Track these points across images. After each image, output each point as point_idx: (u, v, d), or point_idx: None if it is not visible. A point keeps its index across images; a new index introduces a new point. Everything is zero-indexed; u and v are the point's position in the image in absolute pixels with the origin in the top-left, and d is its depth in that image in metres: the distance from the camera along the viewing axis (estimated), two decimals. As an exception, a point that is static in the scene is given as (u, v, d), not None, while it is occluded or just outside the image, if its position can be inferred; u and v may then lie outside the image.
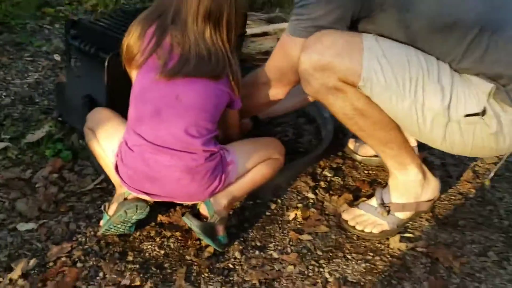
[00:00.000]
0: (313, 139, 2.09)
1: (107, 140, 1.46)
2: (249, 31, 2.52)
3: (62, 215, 1.56)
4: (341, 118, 1.45)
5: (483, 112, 1.32)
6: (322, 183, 1.78)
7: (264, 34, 2.51)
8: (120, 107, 1.52)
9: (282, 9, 3.87)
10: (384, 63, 1.31)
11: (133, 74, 1.39)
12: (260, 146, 1.54)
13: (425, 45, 1.36)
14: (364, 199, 1.70)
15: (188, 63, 1.29)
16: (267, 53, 2.43)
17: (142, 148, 1.31)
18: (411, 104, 1.32)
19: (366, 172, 1.89)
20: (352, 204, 1.67)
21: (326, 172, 1.83)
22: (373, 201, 1.61)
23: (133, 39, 1.35)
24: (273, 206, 1.66)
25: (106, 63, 1.60)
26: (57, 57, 2.72)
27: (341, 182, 1.80)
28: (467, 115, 1.32)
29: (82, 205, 1.62)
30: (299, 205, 1.67)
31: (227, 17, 1.36)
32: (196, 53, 1.31)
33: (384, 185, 1.67)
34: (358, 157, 1.94)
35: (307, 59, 1.36)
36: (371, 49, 1.32)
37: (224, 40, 1.37)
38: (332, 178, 1.82)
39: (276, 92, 1.57)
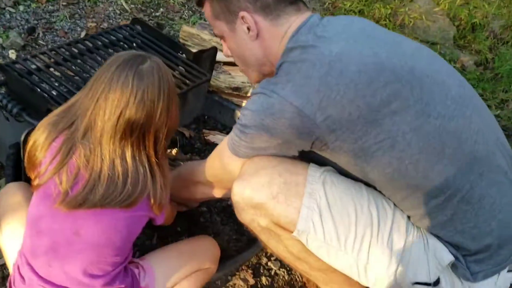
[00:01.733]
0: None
1: (9, 238, 1.27)
2: (221, 56, 2.24)
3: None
4: (276, 255, 1.26)
5: (436, 282, 1.13)
6: (264, 279, 1.61)
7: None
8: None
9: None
10: (326, 215, 1.10)
11: (33, 183, 1.17)
12: (188, 255, 1.35)
13: (384, 191, 1.14)
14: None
15: (94, 192, 1.07)
16: (237, 89, 2.18)
17: (33, 283, 1.12)
18: (352, 262, 1.13)
19: (317, 261, 1.71)
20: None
21: (271, 264, 1.66)
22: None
23: (36, 147, 1.12)
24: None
25: (21, 140, 1.38)
26: (12, 54, 2.46)
27: (286, 277, 1.64)
28: (416, 283, 1.13)
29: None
30: (232, 312, 1.52)
31: (155, 129, 1.13)
32: (107, 178, 1.08)
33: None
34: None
35: (239, 192, 1.15)
36: (313, 195, 1.11)
37: (150, 154, 1.14)
38: (277, 271, 1.65)
39: (214, 192, 1.38)
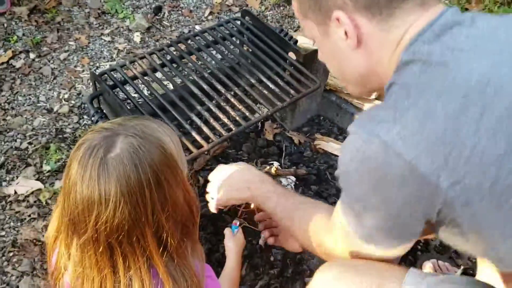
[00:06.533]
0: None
1: None
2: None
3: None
4: None
5: None
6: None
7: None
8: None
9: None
10: None
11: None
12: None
13: None
14: None
15: None
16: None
17: None
18: None
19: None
20: None
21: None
22: None
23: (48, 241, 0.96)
24: None
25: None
26: (137, 37, 2.46)
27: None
28: None
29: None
30: None
31: (151, 229, 0.83)
32: None
33: None
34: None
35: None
36: None
37: (154, 256, 0.84)
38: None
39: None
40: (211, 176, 1.30)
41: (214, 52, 1.67)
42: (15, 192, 1.77)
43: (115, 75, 1.53)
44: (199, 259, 0.95)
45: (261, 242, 1.58)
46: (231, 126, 1.41)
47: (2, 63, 2.22)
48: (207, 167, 1.80)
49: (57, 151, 1.91)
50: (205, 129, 1.39)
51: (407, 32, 0.80)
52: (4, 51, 2.28)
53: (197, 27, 2.54)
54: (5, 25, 2.41)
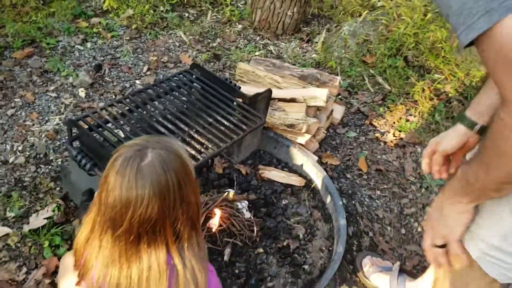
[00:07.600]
0: (323, 247, 1.93)
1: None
2: (276, 92, 2.30)
3: None
4: None
5: None
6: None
7: (292, 100, 2.28)
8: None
9: (329, 27, 3.53)
10: None
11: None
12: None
13: None
14: None
15: None
16: (291, 126, 2.23)
17: None
18: None
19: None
20: None
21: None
22: None
23: (77, 246, 1.16)
24: None
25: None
26: (81, 93, 2.65)
27: (341, 322, 1.66)
28: None
29: (67, 328, 1.59)
30: None
31: (170, 222, 1.05)
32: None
33: None
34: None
35: None
36: None
37: (169, 243, 1.07)
38: (333, 316, 1.68)
39: None
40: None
41: (172, 98, 1.94)
42: (-18, 239, 1.84)
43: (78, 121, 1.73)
44: (204, 256, 1.18)
45: (226, 258, 1.82)
46: (198, 156, 1.67)
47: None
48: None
49: (20, 198, 2.01)
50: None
51: None
52: (-49, 109, 2.34)
53: (138, 82, 2.80)
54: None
